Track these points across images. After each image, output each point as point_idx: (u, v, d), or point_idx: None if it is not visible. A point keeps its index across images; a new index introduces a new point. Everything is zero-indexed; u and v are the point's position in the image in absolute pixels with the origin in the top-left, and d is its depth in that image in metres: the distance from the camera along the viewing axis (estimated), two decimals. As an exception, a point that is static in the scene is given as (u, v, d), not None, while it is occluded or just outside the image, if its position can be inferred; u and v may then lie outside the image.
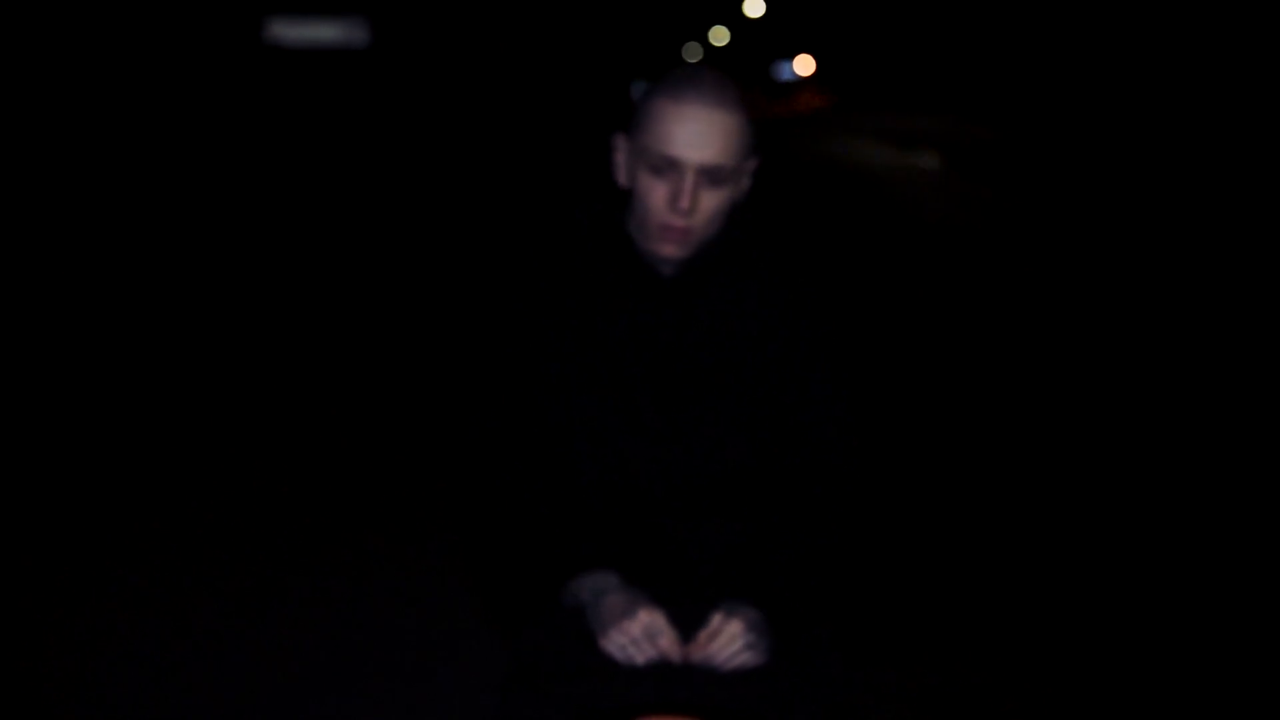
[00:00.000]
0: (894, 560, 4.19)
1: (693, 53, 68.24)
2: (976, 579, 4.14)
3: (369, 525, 4.46)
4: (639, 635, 2.03)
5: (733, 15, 64.49)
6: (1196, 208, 14.66)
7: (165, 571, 3.97)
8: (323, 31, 21.80)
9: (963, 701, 3.39)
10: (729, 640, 2.03)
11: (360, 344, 7.14)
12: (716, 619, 2.03)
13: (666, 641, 2.03)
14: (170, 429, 5.49)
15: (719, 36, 68.30)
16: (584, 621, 2.07)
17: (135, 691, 3.24)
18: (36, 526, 4.23)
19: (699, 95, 2.04)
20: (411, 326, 7.57)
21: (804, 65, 51.06)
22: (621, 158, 2.13)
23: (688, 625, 2.06)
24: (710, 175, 2.05)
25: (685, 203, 2.04)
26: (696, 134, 2.03)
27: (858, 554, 2.17)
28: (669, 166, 2.04)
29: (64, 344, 6.46)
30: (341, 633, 3.60)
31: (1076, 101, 25.65)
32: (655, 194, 2.06)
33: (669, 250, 2.08)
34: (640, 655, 2.03)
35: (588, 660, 2.04)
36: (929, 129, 26.30)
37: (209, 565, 4.05)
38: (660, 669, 2.03)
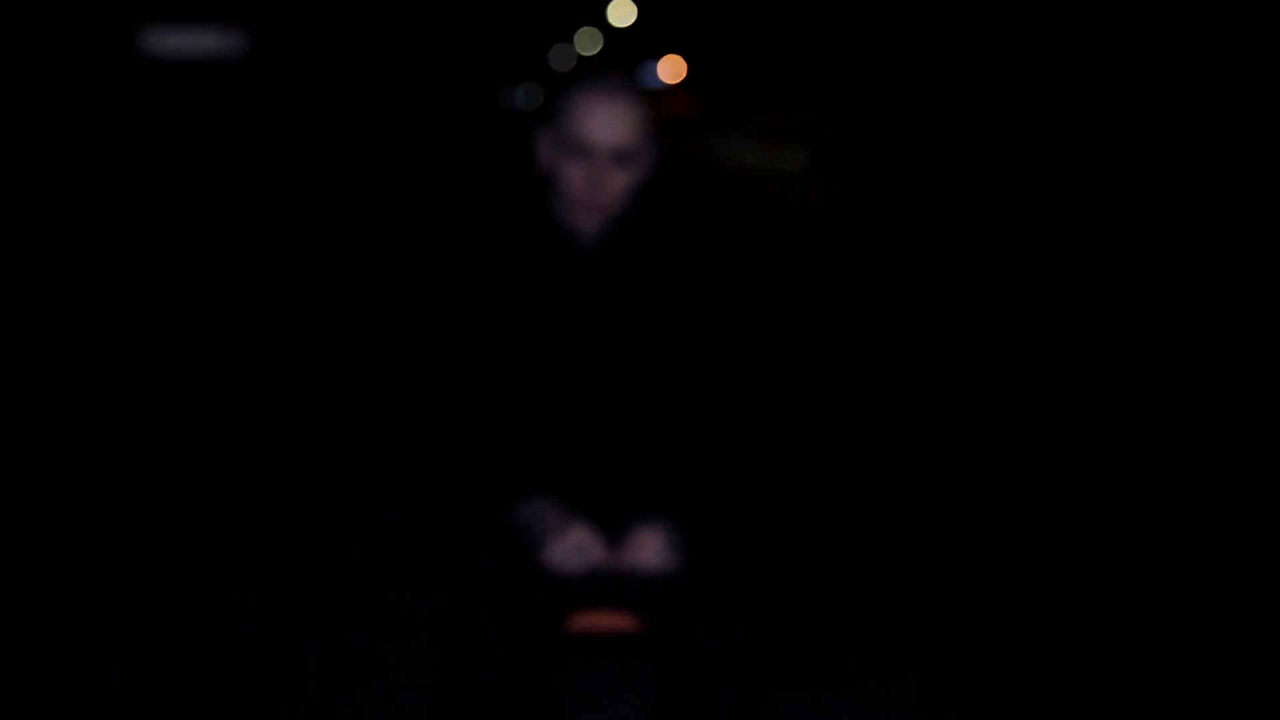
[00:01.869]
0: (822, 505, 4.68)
1: (562, 56, 68.46)
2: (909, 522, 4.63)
3: (360, 505, 4.73)
4: (572, 548, 2.45)
5: (600, 19, 64.94)
6: (1051, 193, 15.38)
7: (163, 566, 4.12)
8: (199, 41, 21.86)
9: (854, 612, 3.85)
10: (646, 549, 2.46)
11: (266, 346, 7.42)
12: (636, 531, 2.47)
13: (595, 552, 2.46)
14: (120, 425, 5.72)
15: (588, 44, 68.38)
16: (525, 540, 2.49)
17: (134, 682, 3.38)
18: (34, 525, 4.36)
19: (607, 90, 2.49)
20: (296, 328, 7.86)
21: (671, 71, 51.39)
22: (542, 147, 2.56)
23: (612, 538, 2.49)
24: (619, 156, 2.48)
25: (599, 179, 2.47)
26: (606, 122, 2.47)
27: (753, 480, 2.62)
28: (584, 150, 2.48)
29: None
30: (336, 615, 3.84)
31: (930, 94, 26.46)
32: (573, 175, 2.49)
33: (586, 223, 2.52)
34: (573, 564, 2.45)
35: (529, 571, 2.46)
36: (794, 126, 26.99)
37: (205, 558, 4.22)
38: (590, 575, 2.46)
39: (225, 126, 21.34)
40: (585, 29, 68.36)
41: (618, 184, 2.50)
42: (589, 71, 2.58)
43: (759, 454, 2.64)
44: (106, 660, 3.50)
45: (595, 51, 69.75)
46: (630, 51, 63.39)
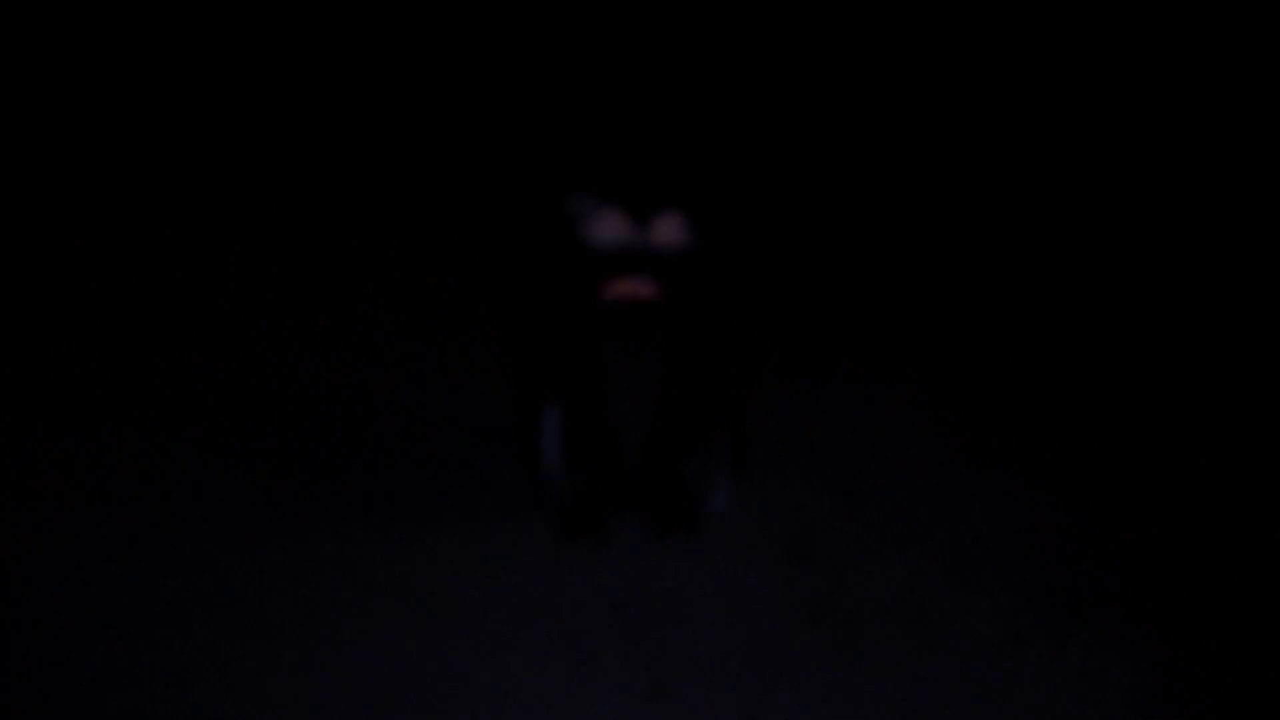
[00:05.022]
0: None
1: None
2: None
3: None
4: (608, 226, 3.03)
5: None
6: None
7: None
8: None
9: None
10: (668, 229, 3.04)
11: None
12: (661, 215, 3.05)
13: (625, 230, 3.04)
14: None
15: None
16: (572, 222, 3.07)
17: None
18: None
19: None
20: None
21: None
22: None
23: (641, 221, 3.07)
24: None
25: None
26: None
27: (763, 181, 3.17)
28: None
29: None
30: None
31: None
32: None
33: None
34: (608, 240, 3.03)
35: (575, 244, 3.05)
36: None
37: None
38: (621, 249, 3.04)
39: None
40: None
41: None
42: None
43: (771, 156, 3.18)
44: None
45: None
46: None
